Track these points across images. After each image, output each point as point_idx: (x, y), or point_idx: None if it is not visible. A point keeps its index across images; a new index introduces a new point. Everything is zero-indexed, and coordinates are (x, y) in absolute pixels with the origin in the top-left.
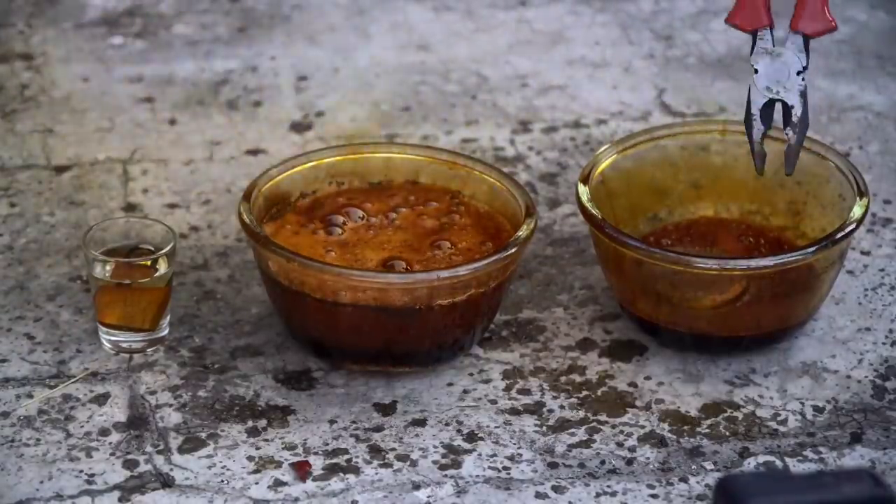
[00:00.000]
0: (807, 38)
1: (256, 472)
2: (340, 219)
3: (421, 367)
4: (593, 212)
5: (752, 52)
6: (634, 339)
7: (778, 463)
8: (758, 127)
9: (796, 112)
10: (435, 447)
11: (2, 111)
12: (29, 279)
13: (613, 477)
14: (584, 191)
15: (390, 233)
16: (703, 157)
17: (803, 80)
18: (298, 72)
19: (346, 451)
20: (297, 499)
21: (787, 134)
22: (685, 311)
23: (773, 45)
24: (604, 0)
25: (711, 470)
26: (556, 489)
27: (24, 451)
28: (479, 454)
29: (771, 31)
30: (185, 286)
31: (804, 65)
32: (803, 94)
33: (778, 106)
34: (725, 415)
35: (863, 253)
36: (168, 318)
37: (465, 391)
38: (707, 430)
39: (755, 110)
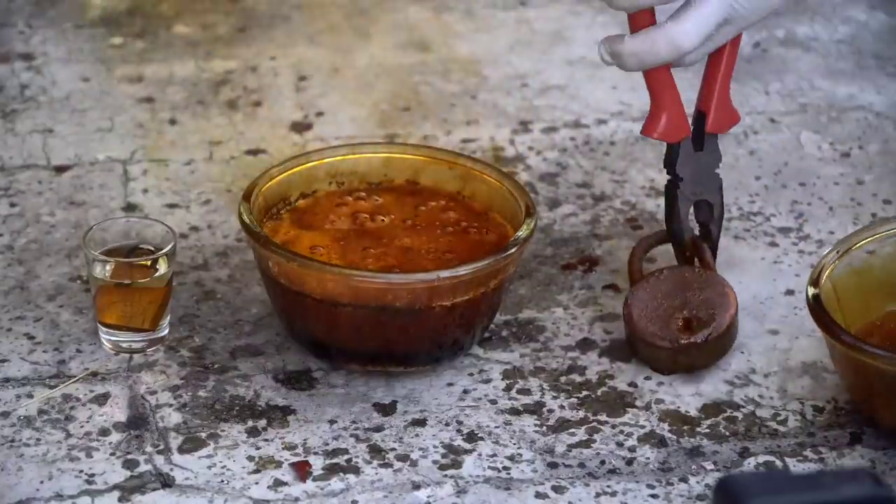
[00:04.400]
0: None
1: (256, 472)
2: (340, 219)
3: (421, 367)
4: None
5: (674, 162)
6: None
7: (778, 463)
8: (687, 229)
9: (717, 209)
10: (435, 447)
11: (2, 111)
12: (29, 279)
13: (613, 477)
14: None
15: (390, 233)
16: None
17: (719, 175)
18: (298, 72)
19: (346, 451)
20: (297, 499)
21: (711, 230)
22: None
23: (693, 149)
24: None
25: (711, 470)
26: (556, 489)
27: (24, 451)
28: (479, 454)
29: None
30: (185, 286)
31: (720, 160)
32: (720, 189)
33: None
34: (725, 415)
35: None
36: (168, 318)
37: (465, 391)
38: (707, 430)
39: (683, 215)
